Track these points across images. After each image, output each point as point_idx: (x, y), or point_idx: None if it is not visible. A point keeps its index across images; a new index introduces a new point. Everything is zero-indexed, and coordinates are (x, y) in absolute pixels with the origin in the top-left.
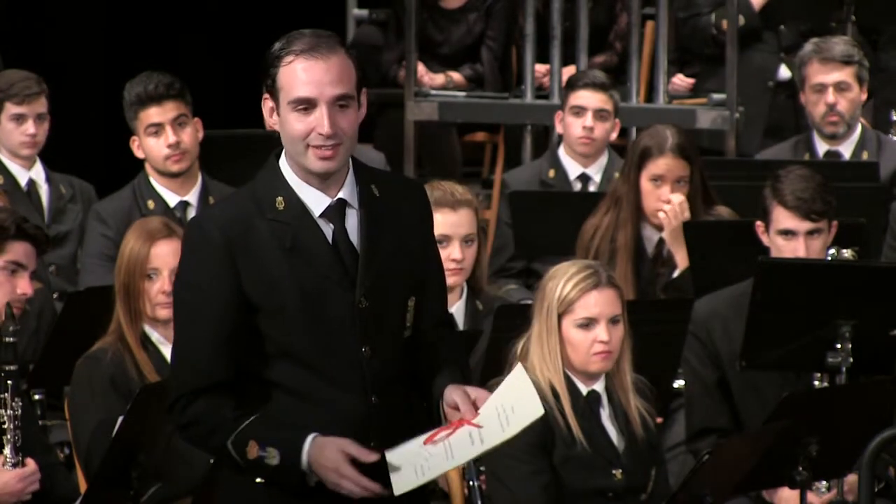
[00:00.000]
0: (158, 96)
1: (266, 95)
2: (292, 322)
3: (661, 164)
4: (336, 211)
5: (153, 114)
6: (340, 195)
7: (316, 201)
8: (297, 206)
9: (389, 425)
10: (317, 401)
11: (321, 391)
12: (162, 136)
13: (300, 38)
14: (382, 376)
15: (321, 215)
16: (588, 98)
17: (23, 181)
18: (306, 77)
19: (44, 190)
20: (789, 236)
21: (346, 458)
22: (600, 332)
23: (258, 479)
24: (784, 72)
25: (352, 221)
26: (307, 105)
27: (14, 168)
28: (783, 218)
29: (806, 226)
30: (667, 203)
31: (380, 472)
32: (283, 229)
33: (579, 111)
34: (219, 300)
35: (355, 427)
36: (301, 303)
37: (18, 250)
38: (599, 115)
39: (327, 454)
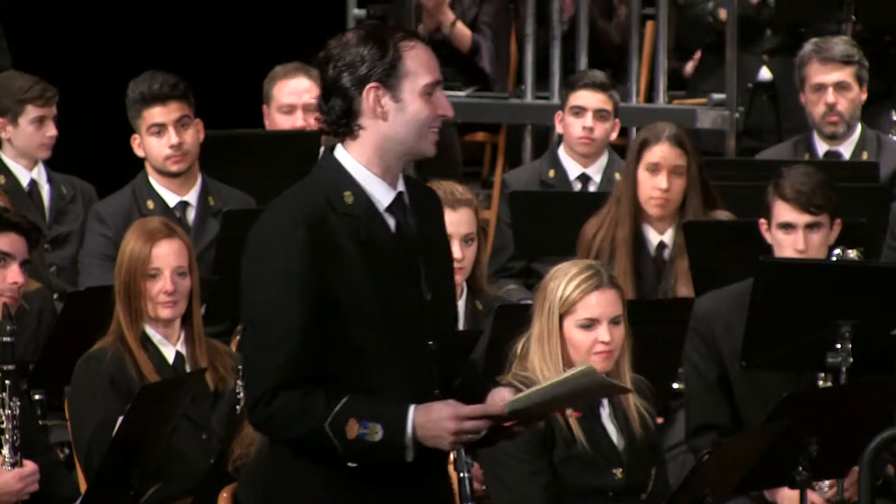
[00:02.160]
0: (163, 96)
1: (375, 85)
2: (368, 317)
3: (657, 152)
4: (399, 204)
5: (156, 113)
6: (399, 188)
7: (382, 195)
8: (365, 200)
9: None
10: (389, 397)
11: (393, 387)
12: (164, 137)
13: (395, 27)
14: (443, 370)
15: (386, 209)
16: (588, 98)
17: (24, 182)
18: (433, 62)
19: (45, 190)
20: (788, 229)
21: (453, 406)
22: (602, 332)
23: (351, 464)
24: (765, 73)
25: (407, 216)
26: (433, 89)
27: (17, 169)
28: (783, 211)
29: (805, 218)
30: (662, 190)
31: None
32: (355, 223)
33: (579, 111)
34: (304, 295)
35: None
36: (375, 298)
37: (3, 240)
38: (599, 115)
39: (435, 410)
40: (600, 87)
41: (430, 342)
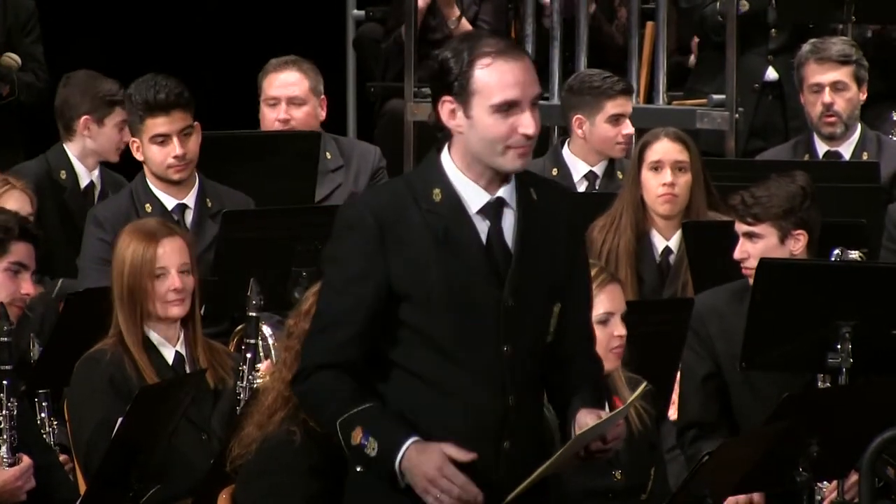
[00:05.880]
0: (168, 105)
1: (447, 98)
2: (437, 312)
3: (658, 149)
4: (493, 209)
5: (160, 123)
6: (499, 194)
7: (474, 197)
8: (454, 200)
9: (523, 427)
10: (456, 395)
11: (461, 385)
12: (167, 146)
13: (485, 39)
14: (521, 377)
15: (478, 212)
16: (627, 105)
17: (84, 182)
18: (512, 78)
19: (97, 194)
20: (738, 237)
21: (447, 458)
22: (617, 326)
23: (358, 468)
24: (771, 73)
25: (508, 221)
26: (510, 106)
27: (80, 168)
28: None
29: (742, 227)
30: (668, 185)
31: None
32: (436, 221)
33: (619, 118)
34: (363, 282)
35: (491, 425)
36: (447, 294)
37: (21, 251)
38: (631, 119)
39: (427, 456)
40: (631, 91)
41: (505, 347)
